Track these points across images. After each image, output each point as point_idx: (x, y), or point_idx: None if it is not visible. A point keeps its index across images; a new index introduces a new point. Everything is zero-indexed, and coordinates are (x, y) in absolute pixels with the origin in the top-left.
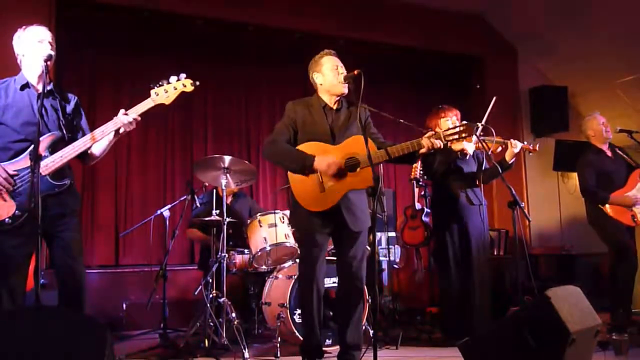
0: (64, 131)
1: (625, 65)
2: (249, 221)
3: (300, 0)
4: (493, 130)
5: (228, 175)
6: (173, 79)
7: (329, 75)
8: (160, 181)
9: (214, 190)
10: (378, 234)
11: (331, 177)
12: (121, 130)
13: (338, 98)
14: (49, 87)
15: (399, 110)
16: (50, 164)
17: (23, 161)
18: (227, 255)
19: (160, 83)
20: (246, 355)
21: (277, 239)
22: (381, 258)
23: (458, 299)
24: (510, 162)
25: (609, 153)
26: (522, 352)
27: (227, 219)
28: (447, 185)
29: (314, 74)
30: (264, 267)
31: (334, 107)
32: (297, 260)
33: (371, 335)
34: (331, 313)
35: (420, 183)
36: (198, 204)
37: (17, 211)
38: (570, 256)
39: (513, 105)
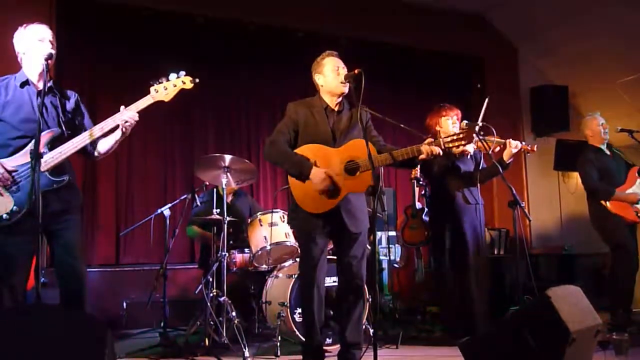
0: (64, 128)
1: (625, 65)
2: (249, 220)
3: (301, 0)
4: (493, 130)
5: (228, 174)
6: (172, 76)
7: (329, 77)
8: (160, 180)
9: (215, 189)
10: (378, 233)
11: (322, 192)
12: (121, 128)
13: (340, 99)
14: (49, 85)
15: (399, 109)
16: (49, 160)
17: (22, 157)
18: (227, 254)
19: (159, 80)
20: (246, 354)
21: (277, 238)
22: (381, 257)
23: (456, 297)
24: (507, 162)
25: (607, 152)
26: (522, 351)
27: (228, 218)
28: (444, 184)
29: (316, 75)
30: (264, 266)
31: (336, 109)
32: (298, 260)
33: (371, 334)
34: (331, 312)
35: (421, 182)
36: (199, 203)
37: (14, 207)
38: (570, 256)
39: (514, 104)
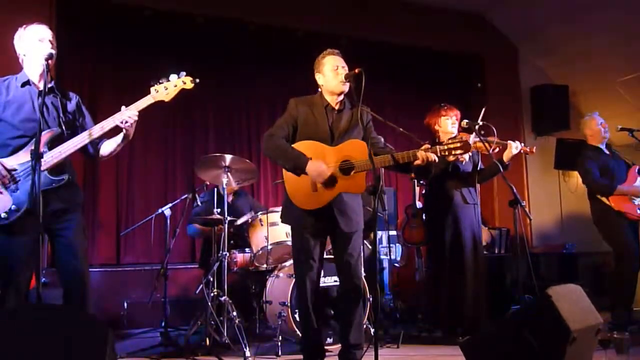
0: (64, 128)
1: (626, 64)
2: (250, 220)
3: (301, 0)
4: (494, 129)
5: (229, 174)
6: (173, 76)
7: (329, 76)
8: (161, 180)
9: (215, 189)
10: (379, 233)
11: (320, 184)
12: (123, 128)
13: (340, 98)
14: (50, 85)
15: (399, 109)
16: (48, 159)
17: (21, 157)
18: (228, 254)
19: (160, 81)
20: (247, 354)
21: (278, 238)
22: (382, 257)
23: (452, 297)
24: (507, 163)
25: (606, 151)
26: (523, 350)
27: (229, 218)
28: (442, 183)
29: (317, 74)
30: (265, 265)
31: (336, 108)
32: None
33: (372, 333)
34: (332, 312)
35: (421, 182)
36: (199, 203)
37: (13, 206)
38: (571, 255)
39: (514, 104)
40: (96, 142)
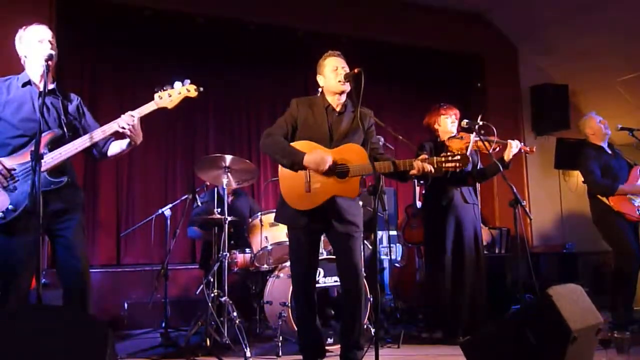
0: (65, 130)
1: (625, 63)
2: (250, 220)
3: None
4: (494, 129)
5: (229, 174)
6: (177, 84)
7: (329, 77)
8: (161, 180)
9: (215, 189)
10: (379, 233)
11: (319, 177)
12: (125, 133)
13: (342, 99)
14: (52, 86)
15: (399, 108)
16: (48, 160)
17: (21, 157)
18: (228, 255)
19: (164, 87)
20: (248, 354)
21: (278, 238)
22: (382, 257)
23: (453, 297)
24: (508, 162)
25: (608, 150)
26: (524, 350)
27: (229, 218)
28: (442, 183)
29: (318, 76)
30: (265, 266)
31: (337, 109)
32: None
33: (373, 334)
34: (332, 312)
35: (421, 182)
36: (199, 203)
37: (10, 206)
38: (571, 254)
39: (514, 103)
40: (101, 145)
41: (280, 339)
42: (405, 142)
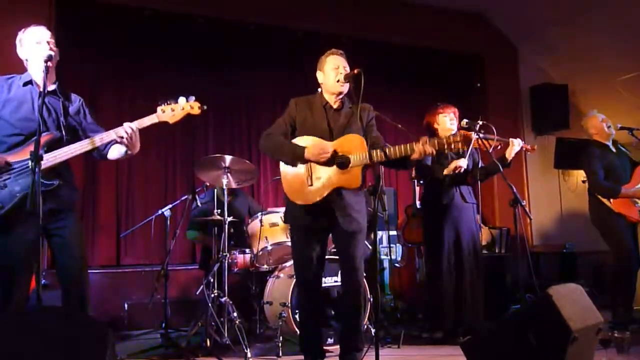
0: (63, 132)
1: (625, 63)
2: (250, 220)
3: (301, 0)
4: (494, 128)
5: (229, 174)
6: (182, 100)
7: (329, 75)
8: (161, 181)
9: (215, 190)
10: (379, 233)
11: (321, 170)
12: (121, 142)
13: (340, 97)
14: (53, 87)
15: (399, 108)
16: (43, 162)
17: (16, 155)
18: (228, 255)
19: (168, 102)
20: (248, 354)
21: (278, 238)
22: (382, 257)
23: (450, 296)
24: (509, 160)
25: (612, 149)
26: (524, 350)
27: (229, 219)
28: (441, 182)
29: (318, 72)
30: (265, 266)
31: (335, 106)
32: None
33: (373, 334)
34: (332, 312)
35: (421, 182)
36: (199, 204)
37: None
38: (571, 254)
39: (514, 103)
40: (101, 148)
41: (281, 339)
42: (404, 130)
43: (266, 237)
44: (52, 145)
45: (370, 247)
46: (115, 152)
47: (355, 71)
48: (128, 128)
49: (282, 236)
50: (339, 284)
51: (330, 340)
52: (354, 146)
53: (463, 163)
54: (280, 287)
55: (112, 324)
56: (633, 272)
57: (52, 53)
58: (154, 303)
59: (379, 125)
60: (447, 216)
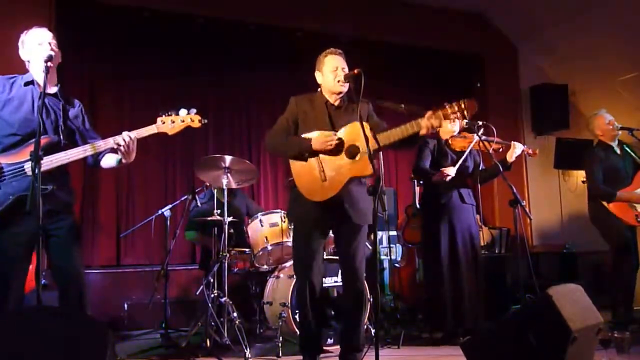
0: (61, 136)
1: (625, 63)
2: (250, 221)
3: (301, 0)
4: (494, 129)
5: (229, 174)
6: (183, 111)
7: (327, 76)
8: (161, 181)
9: (215, 190)
10: (379, 233)
11: (331, 164)
12: (118, 151)
13: (340, 96)
14: (54, 90)
15: None
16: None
17: (12, 156)
18: (228, 255)
19: (168, 112)
20: (248, 355)
21: (278, 239)
22: (382, 257)
23: (452, 297)
24: (510, 163)
25: (617, 150)
26: (524, 350)
27: (229, 219)
28: (442, 183)
29: (316, 72)
30: (265, 266)
31: (336, 104)
32: None
33: (373, 334)
34: (332, 312)
35: (421, 182)
36: (199, 204)
37: None
38: (571, 254)
39: (514, 103)
40: (96, 155)
41: (280, 339)
42: (410, 107)
43: (266, 237)
44: (50, 149)
45: (370, 247)
46: (109, 161)
47: (356, 71)
48: (127, 137)
49: (282, 236)
50: (339, 284)
51: (330, 340)
52: (359, 135)
53: (451, 172)
54: (280, 287)
55: (112, 324)
56: (633, 272)
57: (53, 53)
58: (154, 303)
59: (380, 113)
60: (445, 217)
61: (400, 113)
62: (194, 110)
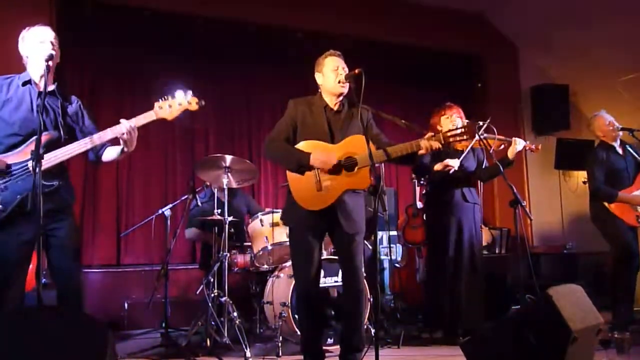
0: (61, 132)
1: (626, 63)
2: (250, 220)
3: (301, 0)
4: (494, 129)
5: (229, 174)
6: (179, 94)
7: (328, 77)
8: (161, 180)
9: (214, 189)
10: (380, 233)
11: (328, 174)
12: (120, 140)
13: (339, 99)
14: (52, 88)
15: (399, 109)
16: (43, 162)
17: (15, 156)
18: (228, 255)
19: (165, 97)
20: (248, 354)
21: (278, 238)
22: (383, 257)
23: (452, 297)
24: (512, 159)
25: (619, 150)
26: (524, 350)
27: (229, 218)
28: (443, 181)
29: (316, 73)
30: (265, 266)
31: (335, 108)
32: None
33: (373, 334)
34: (332, 312)
35: (422, 182)
36: (199, 203)
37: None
38: (571, 254)
39: (514, 103)
40: (97, 149)
41: (280, 339)
42: (408, 124)
43: (266, 237)
44: (51, 146)
45: (370, 247)
46: (110, 153)
47: (356, 71)
48: (127, 125)
49: (282, 236)
50: (339, 284)
51: (330, 340)
52: (359, 147)
53: (454, 163)
54: (280, 287)
55: (112, 323)
56: (633, 273)
57: (54, 53)
58: (154, 303)
59: (380, 121)
60: (448, 216)
61: (400, 127)
62: (190, 93)
